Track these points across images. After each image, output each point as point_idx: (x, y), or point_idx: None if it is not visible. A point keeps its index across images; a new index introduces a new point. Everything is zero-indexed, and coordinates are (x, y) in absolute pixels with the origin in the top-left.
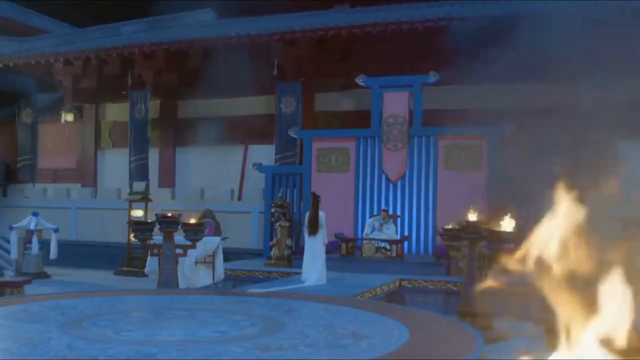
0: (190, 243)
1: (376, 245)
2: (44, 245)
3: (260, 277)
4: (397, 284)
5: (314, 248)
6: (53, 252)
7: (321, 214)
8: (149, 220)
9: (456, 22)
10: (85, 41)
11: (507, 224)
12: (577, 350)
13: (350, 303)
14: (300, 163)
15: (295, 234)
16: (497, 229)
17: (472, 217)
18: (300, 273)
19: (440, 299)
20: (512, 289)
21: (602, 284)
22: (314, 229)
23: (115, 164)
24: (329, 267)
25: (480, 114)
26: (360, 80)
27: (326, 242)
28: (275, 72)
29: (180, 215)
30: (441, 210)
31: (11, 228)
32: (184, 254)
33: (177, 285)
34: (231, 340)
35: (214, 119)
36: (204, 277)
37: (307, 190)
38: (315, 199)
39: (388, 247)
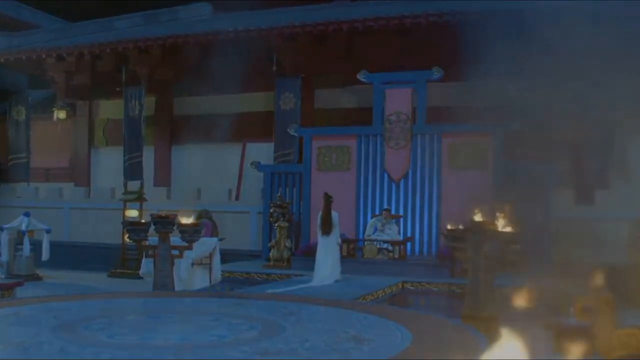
0: (186, 244)
1: (378, 246)
2: (36, 246)
3: (259, 279)
4: (400, 286)
5: (327, 248)
6: (45, 254)
7: (334, 213)
8: (144, 221)
9: (460, 17)
10: (78, 36)
11: (507, 225)
12: None
13: (351, 306)
14: (300, 162)
15: (294, 234)
16: (502, 230)
17: (477, 217)
18: (301, 275)
19: (444, 301)
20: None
21: None
22: (327, 229)
23: (109, 163)
24: None
25: (486, 111)
26: (361, 76)
27: (340, 242)
28: (274, 68)
29: (176, 215)
30: (445, 210)
31: (2, 229)
32: (180, 256)
33: (173, 287)
34: (229, 344)
35: (211, 116)
36: (200, 279)
37: (307, 190)
38: (328, 199)
39: (390, 248)
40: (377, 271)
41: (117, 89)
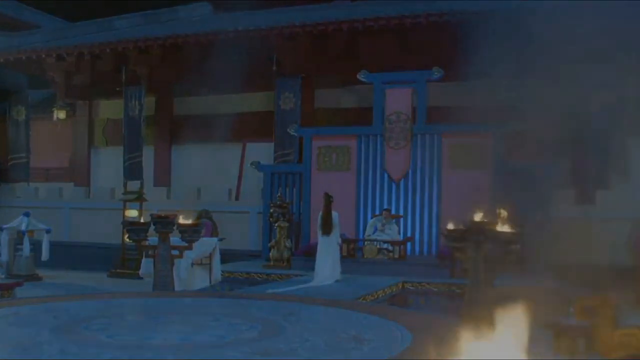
0: (186, 244)
1: (378, 246)
2: (36, 246)
3: (259, 279)
4: (400, 286)
5: (327, 248)
6: (45, 254)
7: (334, 214)
8: (144, 221)
9: (460, 17)
10: (78, 36)
11: (507, 225)
12: None
13: (351, 306)
14: (300, 162)
15: (294, 234)
16: (502, 230)
17: (477, 217)
18: (301, 275)
19: (444, 301)
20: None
21: None
22: (327, 229)
23: (109, 163)
24: None
25: (486, 111)
26: (361, 76)
27: (340, 242)
28: (274, 68)
29: (176, 215)
30: (445, 210)
31: (2, 229)
32: (180, 256)
33: (173, 287)
34: (229, 344)
35: (211, 116)
36: (200, 279)
37: (307, 190)
38: (328, 199)
39: (390, 248)
40: (377, 271)
41: (117, 89)
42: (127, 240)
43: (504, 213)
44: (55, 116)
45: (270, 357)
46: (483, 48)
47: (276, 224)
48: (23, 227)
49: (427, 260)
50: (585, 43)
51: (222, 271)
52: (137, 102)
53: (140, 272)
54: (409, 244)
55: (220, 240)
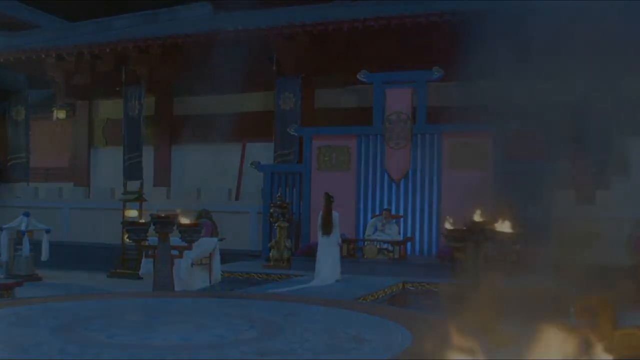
0: (186, 244)
1: (378, 246)
2: (36, 246)
3: (259, 279)
4: (400, 287)
5: (327, 248)
6: (45, 254)
7: (334, 214)
8: (144, 221)
9: (460, 17)
10: (78, 36)
11: (507, 225)
12: None
13: (351, 306)
14: (300, 161)
15: (294, 234)
16: (502, 230)
17: (477, 217)
18: (301, 275)
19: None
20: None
21: None
22: (327, 229)
23: (108, 163)
24: None
25: (486, 111)
26: (361, 76)
27: (340, 242)
28: (274, 68)
29: (176, 215)
30: (445, 210)
31: (1, 229)
32: (180, 256)
33: (173, 287)
34: (229, 344)
35: (211, 116)
36: (200, 279)
37: (307, 190)
38: (329, 199)
39: (390, 248)
40: (377, 271)
41: (117, 88)
42: (127, 240)
43: (501, 215)
44: (55, 116)
45: (270, 357)
46: (483, 48)
47: (276, 224)
48: (23, 227)
49: (427, 260)
50: (585, 42)
51: (222, 271)
52: (136, 102)
53: (140, 272)
54: (409, 244)
55: (220, 240)
